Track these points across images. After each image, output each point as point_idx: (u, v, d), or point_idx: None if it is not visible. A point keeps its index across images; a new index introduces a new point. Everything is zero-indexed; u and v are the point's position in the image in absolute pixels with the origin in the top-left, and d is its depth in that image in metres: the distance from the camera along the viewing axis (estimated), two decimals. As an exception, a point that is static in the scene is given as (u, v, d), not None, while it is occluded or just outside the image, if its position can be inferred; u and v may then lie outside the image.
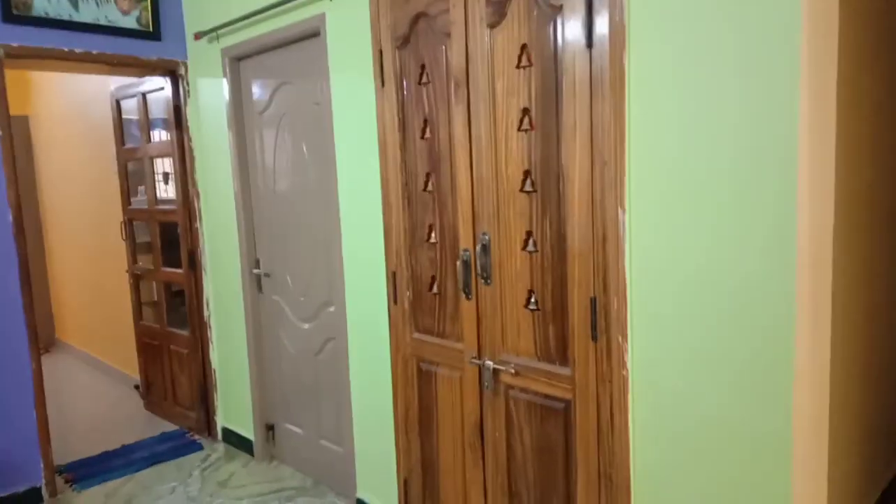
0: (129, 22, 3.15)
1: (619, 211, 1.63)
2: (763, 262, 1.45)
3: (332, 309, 2.86)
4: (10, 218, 2.85)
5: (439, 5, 1.99)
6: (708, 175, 1.51)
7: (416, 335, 2.29)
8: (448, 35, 1.98)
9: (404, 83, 2.17)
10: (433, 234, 2.16)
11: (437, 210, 2.12)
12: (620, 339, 1.68)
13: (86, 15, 3.01)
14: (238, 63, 3.09)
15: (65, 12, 2.95)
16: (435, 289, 2.18)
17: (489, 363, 2.00)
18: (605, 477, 1.76)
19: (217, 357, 3.59)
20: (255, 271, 3.24)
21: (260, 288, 3.25)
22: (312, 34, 2.59)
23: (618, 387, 1.70)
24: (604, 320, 1.70)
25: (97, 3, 3.04)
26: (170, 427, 3.89)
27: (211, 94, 3.24)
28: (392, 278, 2.34)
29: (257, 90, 3.03)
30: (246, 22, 2.86)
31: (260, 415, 3.33)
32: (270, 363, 3.27)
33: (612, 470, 1.74)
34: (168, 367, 3.92)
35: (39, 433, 2.99)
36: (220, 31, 3.04)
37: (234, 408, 3.52)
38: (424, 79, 2.09)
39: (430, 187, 2.13)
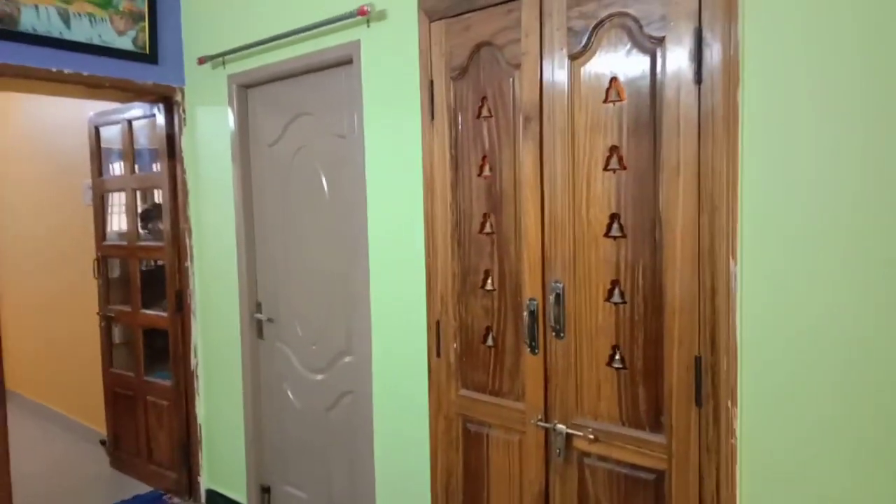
0: (125, 43, 2.88)
1: (731, 261, 1.48)
2: (890, 322, 1.30)
3: (348, 359, 2.60)
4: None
5: (508, 34, 1.83)
6: (829, 225, 1.37)
7: (464, 392, 2.06)
8: (518, 66, 1.82)
9: (458, 117, 1.99)
10: (490, 281, 1.95)
11: (497, 254, 1.93)
12: (730, 403, 1.50)
13: (78, 33, 2.74)
14: (246, 91, 2.86)
15: (55, 29, 2.67)
16: (490, 341, 1.97)
17: (560, 427, 1.79)
18: (707, 559, 1.56)
19: (204, 410, 3.25)
20: (257, 316, 2.95)
21: (261, 334, 2.96)
22: (343, 62, 2.40)
23: (725, 458, 1.52)
24: (710, 383, 1.53)
25: (91, 22, 2.77)
26: (143, 488, 3.48)
27: (211, 123, 2.99)
28: (435, 328, 2.11)
29: (267, 121, 2.80)
30: (262, 48, 2.64)
31: (255, 475, 3.00)
32: (270, 418, 2.96)
33: (715, 551, 1.54)
34: (143, 421, 3.53)
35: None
36: (227, 57, 2.81)
37: (223, 467, 3.17)
38: (485, 112, 1.92)
39: (488, 229, 1.94)
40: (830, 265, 1.37)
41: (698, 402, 1.55)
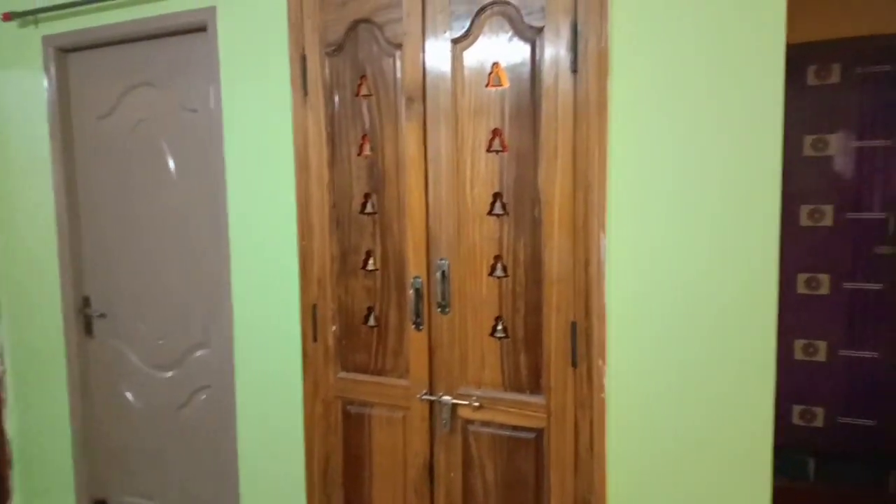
0: None
1: (601, 235, 1.66)
2: (740, 288, 1.57)
3: (202, 353, 2.43)
4: None
5: (389, 13, 1.84)
6: (687, 200, 1.60)
7: (343, 374, 2.04)
8: (399, 46, 1.84)
9: (335, 94, 1.95)
10: (372, 261, 1.96)
11: (380, 234, 1.93)
12: (601, 362, 1.69)
13: None
14: (66, 55, 2.50)
15: None
16: (372, 322, 1.98)
17: (446, 398, 1.86)
18: (583, 503, 1.74)
19: (15, 424, 2.81)
20: (85, 312, 2.61)
21: (90, 331, 2.63)
22: (194, 29, 2.21)
23: (597, 411, 1.71)
24: (584, 345, 1.70)
25: None
26: (-70, 525, 2.91)
27: (20, 91, 2.57)
28: (311, 312, 2.06)
29: (96, 90, 2.48)
30: (89, 7, 2.33)
31: (86, 488, 2.68)
32: (105, 423, 2.65)
33: (590, 496, 1.73)
34: (-73, 445, 2.94)
35: None
36: (41, 15, 2.44)
37: (44, 485, 2.77)
38: (365, 91, 1.91)
39: (369, 209, 1.94)
40: (688, 236, 1.60)
41: (574, 363, 1.72)
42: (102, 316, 2.61)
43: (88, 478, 2.67)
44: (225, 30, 2.13)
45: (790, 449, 3.33)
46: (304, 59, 1.97)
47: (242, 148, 2.16)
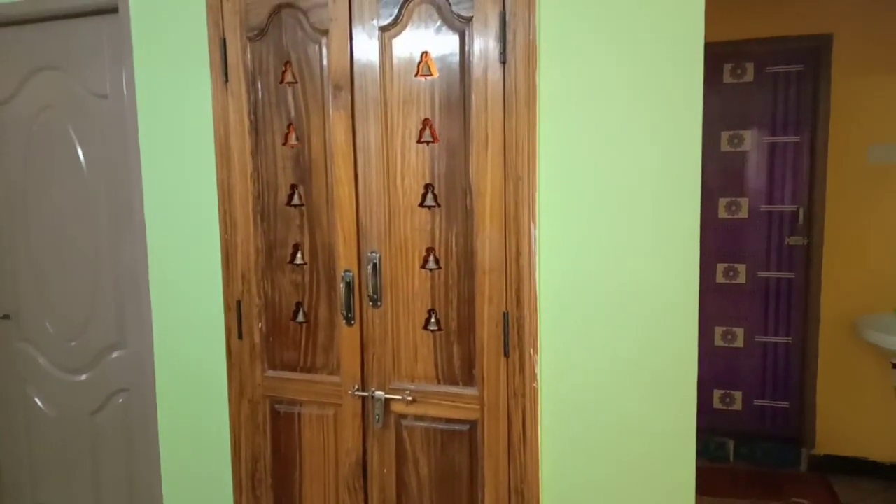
0: None
1: (532, 225, 1.66)
2: (664, 278, 1.61)
3: (118, 353, 2.30)
4: None
5: (314, -2, 1.78)
6: (613, 193, 1.63)
7: (271, 373, 1.97)
8: (325, 33, 1.78)
9: (258, 81, 1.87)
10: (300, 255, 1.89)
11: (308, 227, 1.87)
12: (532, 352, 1.70)
13: None
14: (-42, 34, 2.30)
15: None
16: (301, 317, 1.92)
17: (379, 393, 1.83)
18: (517, 493, 1.75)
19: None
20: (-14, 313, 2.42)
21: (-8, 335, 2.44)
22: (103, 10, 2.07)
23: (530, 400, 1.72)
24: (516, 335, 1.70)
25: None
26: None
27: None
28: (236, 308, 1.98)
29: (-6, 73, 2.29)
30: (-16, -19, 2.15)
31: (-9, 506, 2.49)
32: (9, 432, 2.47)
33: (523, 485, 1.74)
34: None
35: None
36: (-72, -12, 2.23)
37: (-58, 504, 2.55)
38: (290, 78, 1.84)
39: (296, 201, 1.88)
40: (614, 228, 1.63)
41: (506, 353, 1.72)
42: (6, 317, 2.42)
43: (-8, 492, 2.48)
44: (138, 11, 2.01)
45: (712, 431, 3.49)
46: (223, 43, 1.89)
47: (158, 136, 2.04)
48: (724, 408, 3.51)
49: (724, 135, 3.40)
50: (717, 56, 3.34)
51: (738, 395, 3.48)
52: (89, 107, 2.19)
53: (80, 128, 2.22)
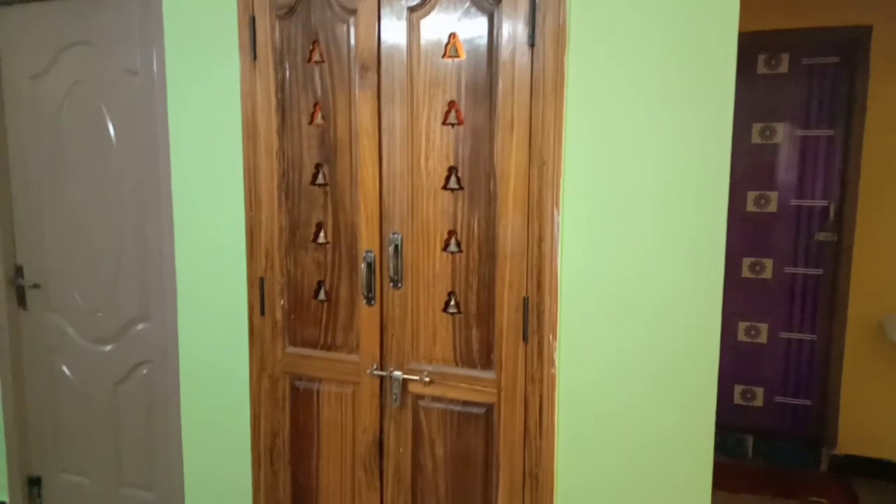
0: None
1: (555, 211, 1.65)
2: (688, 270, 1.59)
3: (143, 326, 2.35)
4: None
5: (344, -23, 1.77)
6: (639, 181, 1.61)
7: (292, 349, 2.00)
8: (353, 12, 1.78)
9: (286, 60, 1.88)
10: (323, 234, 1.91)
11: (331, 206, 1.88)
12: (551, 337, 1.69)
13: None
14: (-5, 8, 2.34)
15: None
16: (322, 296, 1.93)
17: (397, 373, 1.84)
18: (532, 477, 1.75)
19: (-60, 400, 2.66)
20: (18, 282, 2.49)
21: (23, 303, 2.50)
22: (137, -14, 2.09)
23: (547, 386, 1.71)
24: (535, 320, 1.70)
25: None
26: None
27: (-55, 43, 2.39)
28: (259, 285, 2.00)
29: (28, 48, 2.33)
30: (22, -45, 2.18)
31: (19, 467, 2.57)
32: (39, 399, 2.54)
33: (538, 469, 1.74)
34: None
35: None
36: (-33, -38, 2.27)
37: (-27, 465, 2.64)
38: (317, 57, 1.84)
39: (320, 180, 1.89)
40: (639, 217, 1.61)
41: (525, 339, 1.72)
42: (36, 286, 2.48)
43: (20, 455, 2.56)
44: (170, -12, 2.03)
45: (731, 427, 3.45)
46: (253, 21, 1.89)
47: (187, 113, 2.06)
48: (745, 404, 3.47)
49: (756, 127, 3.33)
50: (751, 46, 3.26)
51: (759, 391, 3.44)
52: (120, 83, 2.22)
53: (110, 103, 2.25)
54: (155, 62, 2.11)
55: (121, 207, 2.29)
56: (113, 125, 2.27)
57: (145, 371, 2.36)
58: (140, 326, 2.35)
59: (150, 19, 2.09)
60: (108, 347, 2.40)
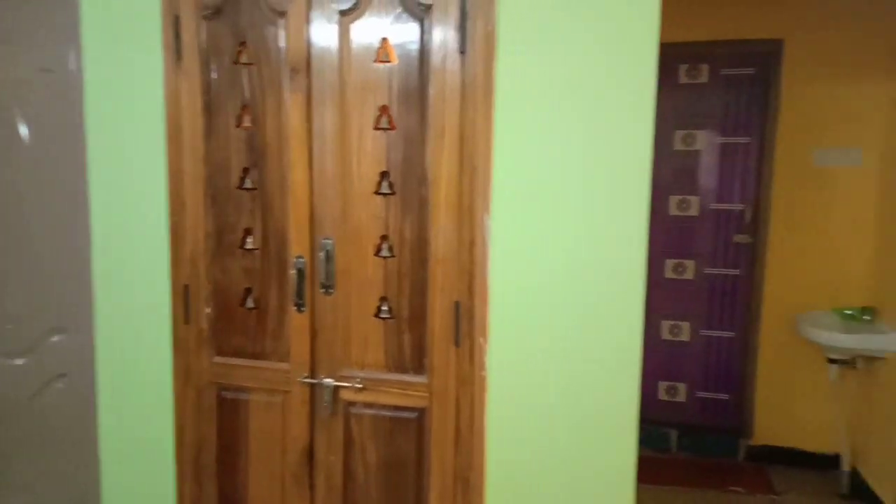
0: None
1: (486, 216, 1.67)
2: (611, 272, 1.64)
3: (59, 338, 2.22)
4: None
5: (272, -22, 1.74)
6: (565, 187, 1.65)
7: (219, 359, 1.94)
8: (282, 14, 1.75)
9: (212, 61, 1.83)
10: (251, 240, 1.86)
11: (260, 211, 1.84)
12: (482, 340, 1.71)
13: None
14: None
15: None
16: (250, 303, 1.89)
17: (328, 381, 1.82)
18: (462, 480, 1.77)
19: None
20: (-84, 292, 2.31)
21: (-77, 315, 2.33)
22: (50, -21, 1.99)
23: (478, 388, 1.73)
24: (467, 324, 1.72)
25: None
26: None
27: None
28: (183, 293, 1.94)
29: (-71, 39, 2.17)
30: (-81, -59, 2.03)
31: (-82, 493, 2.38)
32: (-58, 418, 2.36)
33: (469, 472, 1.76)
34: None
35: None
36: None
37: None
38: (245, 59, 1.80)
39: (248, 184, 1.84)
40: (565, 221, 1.65)
41: (456, 342, 1.73)
42: (-63, 297, 2.31)
43: (-80, 479, 2.38)
44: (86, -18, 1.93)
45: (656, 422, 3.59)
46: (177, 20, 1.83)
47: (106, 114, 1.97)
48: (669, 399, 3.62)
49: (678, 134, 3.49)
50: (674, 56, 3.41)
51: (682, 386, 3.59)
52: (33, 82, 2.10)
53: (22, 102, 2.12)
54: (71, 60, 2.01)
55: (35, 213, 2.16)
56: (25, 125, 2.14)
57: (61, 385, 2.24)
58: (56, 338, 2.23)
59: (68, 16, 1.99)
60: (20, 361, 2.26)
